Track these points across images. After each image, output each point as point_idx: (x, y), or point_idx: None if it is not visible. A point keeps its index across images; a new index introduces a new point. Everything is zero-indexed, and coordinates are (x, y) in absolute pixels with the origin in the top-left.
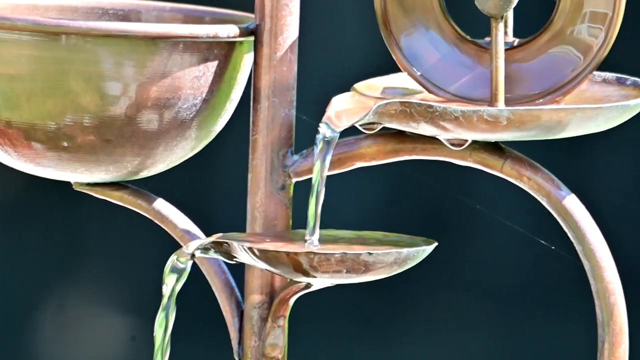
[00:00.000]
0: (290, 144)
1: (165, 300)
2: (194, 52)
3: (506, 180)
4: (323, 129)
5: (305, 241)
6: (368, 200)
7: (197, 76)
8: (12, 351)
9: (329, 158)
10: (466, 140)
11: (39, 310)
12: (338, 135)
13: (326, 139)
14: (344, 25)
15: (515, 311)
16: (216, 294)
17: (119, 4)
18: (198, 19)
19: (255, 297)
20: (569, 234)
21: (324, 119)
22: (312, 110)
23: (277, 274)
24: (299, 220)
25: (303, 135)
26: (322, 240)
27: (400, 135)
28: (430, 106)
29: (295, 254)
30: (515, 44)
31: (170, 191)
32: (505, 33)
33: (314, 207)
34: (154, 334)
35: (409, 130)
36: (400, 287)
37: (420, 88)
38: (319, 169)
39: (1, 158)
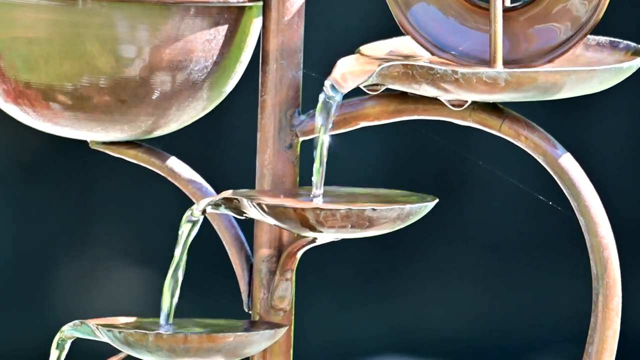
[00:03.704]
0: (297, 104)
1: (178, 248)
2: (205, 17)
3: (505, 140)
4: (328, 89)
5: (311, 197)
6: (373, 157)
7: (209, 39)
8: (32, 302)
9: (333, 116)
10: (466, 101)
11: (58, 262)
12: (342, 95)
13: (331, 99)
14: None
15: (515, 264)
16: (227, 248)
17: None
18: None
19: (264, 251)
20: (564, 191)
21: (330, 80)
22: (318, 71)
23: (284, 229)
24: (306, 178)
25: (311, 93)
26: (328, 197)
27: (402, 96)
28: (432, 68)
29: (303, 209)
30: (512, 7)
31: (182, 149)
32: None
33: (319, 164)
34: (166, 281)
35: (411, 91)
36: (404, 241)
37: (422, 50)
38: (323, 127)
39: (21, 118)
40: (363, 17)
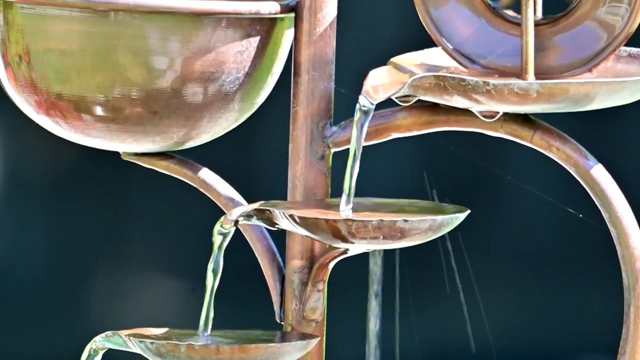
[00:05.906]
0: (329, 116)
1: (213, 258)
2: (237, 28)
3: (535, 151)
4: (361, 100)
5: (340, 209)
6: (403, 169)
7: (240, 51)
8: (64, 313)
9: (365, 128)
10: (498, 112)
11: (90, 273)
12: (374, 106)
13: (363, 110)
14: (380, 2)
15: (546, 275)
16: (259, 259)
17: None
18: None
19: (295, 262)
20: (596, 202)
21: (362, 91)
22: (349, 83)
23: (316, 240)
24: (338, 189)
25: (341, 107)
26: (359, 208)
27: (434, 107)
28: (463, 79)
29: (335, 220)
30: (544, 20)
31: (214, 161)
32: (535, 10)
33: (350, 175)
34: (205, 288)
35: (443, 102)
36: (435, 252)
37: (453, 62)
38: (356, 138)
39: (52, 129)
40: (395, 29)
